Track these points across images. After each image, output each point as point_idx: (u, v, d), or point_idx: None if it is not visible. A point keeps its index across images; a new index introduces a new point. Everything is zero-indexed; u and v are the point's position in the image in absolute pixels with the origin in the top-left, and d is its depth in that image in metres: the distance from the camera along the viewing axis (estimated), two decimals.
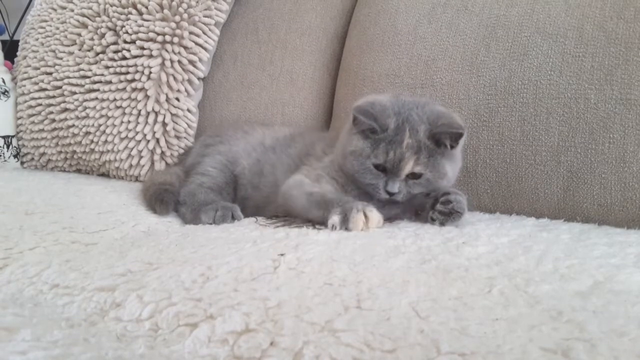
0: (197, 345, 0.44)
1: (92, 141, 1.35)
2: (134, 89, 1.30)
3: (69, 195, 1.06)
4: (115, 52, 1.33)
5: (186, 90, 1.31)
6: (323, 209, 0.81)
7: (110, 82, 1.32)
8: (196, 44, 1.30)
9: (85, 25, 1.39)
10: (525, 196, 0.97)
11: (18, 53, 1.55)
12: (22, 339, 0.44)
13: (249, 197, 1.06)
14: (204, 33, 1.31)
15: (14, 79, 1.53)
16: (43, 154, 1.46)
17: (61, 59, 1.41)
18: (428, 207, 0.85)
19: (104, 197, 1.07)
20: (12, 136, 1.49)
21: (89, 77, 1.35)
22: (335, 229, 0.77)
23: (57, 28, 1.44)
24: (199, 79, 1.33)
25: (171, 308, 0.50)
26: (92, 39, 1.36)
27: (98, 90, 1.34)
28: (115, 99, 1.31)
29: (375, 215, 0.78)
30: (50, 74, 1.41)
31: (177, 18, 1.29)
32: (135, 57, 1.30)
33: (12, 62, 1.59)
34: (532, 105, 0.97)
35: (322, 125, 1.32)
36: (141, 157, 1.30)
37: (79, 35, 1.39)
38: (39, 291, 0.59)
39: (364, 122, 0.83)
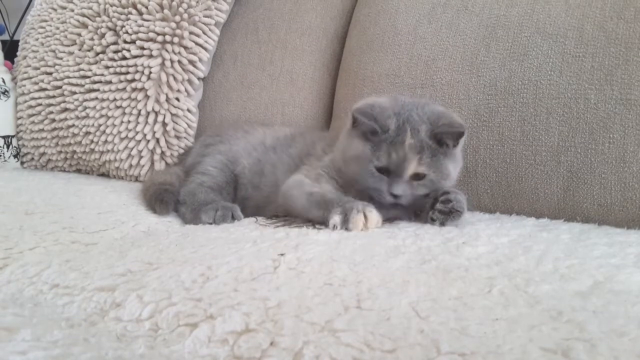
0: (197, 345, 0.44)
1: (92, 141, 1.35)
2: (134, 89, 1.30)
3: (69, 195, 1.06)
4: (115, 52, 1.33)
5: (186, 90, 1.31)
6: (323, 208, 0.81)
7: (110, 82, 1.32)
8: (196, 44, 1.30)
9: (85, 25, 1.39)
10: (525, 196, 0.97)
11: (18, 53, 1.55)
12: (22, 339, 0.44)
13: (249, 197, 1.06)
14: (204, 33, 1.31)
15: (14, 78, 1.53)
16: (43, 153, 1.46)
17: (61, 59, 1.41)
18: (428, 207, 0.85)
19: (104, 197, 1.07)
20: (12, 136, 1.49)
21: (89, 77, 1.35)
22: (336, 228, 0.77)
23: (57, 28, 1.44)
24: (199, 79, 1.33)
25: (171, 308, 0.50)
26: (92, 39, 1.36)
27: (98, 90, 1.34)
28: (115, 99, 1.31)
29: (374, 215, 0.78)
30: (50, 74, 1.41)
31: (177, 18, 1.29)
32: (135, 57, 1.30)
33: (12, 62, 1.59)
34: (532, 105, 0.97)
35: (322, 125, 1.32)
36: (141, 157, 1.30)
37: (79, 35, 1.39)
38: (39, 291, 0.59)
39: (364, 123, 0.83)
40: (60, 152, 1.43)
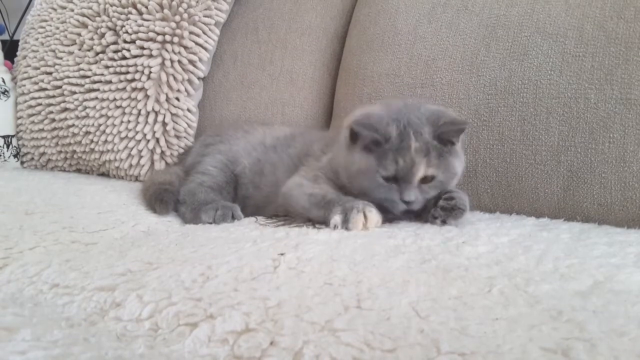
0: (197, 344, 0.44)
1: (92, 141, 1.35)
2: (133, 89, 1.29)
3: (68, 195, 1.06)
4: (115, 51, 1.33)
5: (186, 90, 1.31)
6: (324, 208, 0.81)
7: (110, 82, 1.32)
8: (196, 43, 1.30)
9: (85, 25, 1.39)
10: (525, 196, 0.97)
11: (18, 53, 1.55)
12: (22, 339, 0.44)
13: (249, 197, 1.06)
14: (204, 33, 1.31)
15: (14, 78, 1.53)
16: (43, 153, 1.46)
17: (61, 58, 1.41)
18: (430, 206, 0.84)
19: (104, 196, 1.07)
20: (12, 136, 1.49)
21: (88, 76, 1.35)
22: (337, 228, 0.77)
23: (57, 28, 1.44)
24: (199, 78, 1.33)
25: (171, 308, 0.50)
26: (92, 38, 1.36)
27: (98, 90, 1.34)
28: (115, 99, 1.31)
29: (374, 215, 0.78)
30: (50, 73, 1.41)
31: (177, 18, 1.29)
32: (135, 56, 1.30)
33: (12, 62, 1.59)
34: (532, 105, 0.97)
35: (323, 125, 1.32)
36: (141, 156, 1.30)
37: (79, 35, 1.39)
38: (38, 291, 0.59)
39: (366, 135, 0.80)
40: (60, 151, 1.43)
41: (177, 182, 1.10)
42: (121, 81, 1.31)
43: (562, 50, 0.96)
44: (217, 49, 1.37)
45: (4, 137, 1.47)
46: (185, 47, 1.29)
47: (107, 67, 1.33)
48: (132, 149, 1.30)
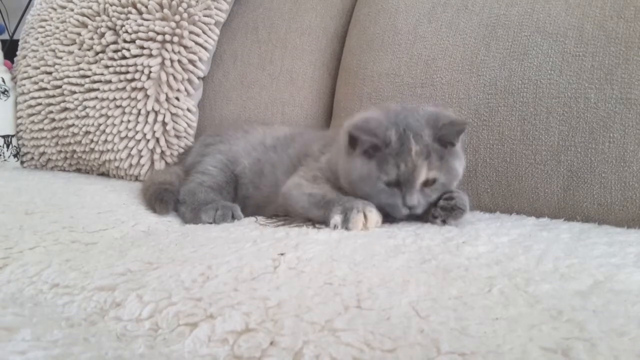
0: (197, 344, 0.44)
1: (92, 140, 1.35)
2: (133, 89, 1.29)
3: (68, 194, 1.06)
4: (115, 51, 1.33)
5: (186, 90, 1.31)
6: (323, 208, 0.81)
7: (110, 82, 1.32)
8: (196, 43, 1.30)
9: (85, 25, 1.39)
10: (525, 195, 0.97)
11: (18, 52, 1.55)
12: (22, 339, 0.44)
13: (249, 197, 1.06)
14: (204, 32, 1.31)
15: (13, 78, 1.53)
16: (43, 153, 1.46)
17: (61, 58, 1.41)
18: (430, 206, 0.84)
19: (104, 196, 1.07)
20: (12, 135, 1.49)
21: (88, 76, 1.35)
22: (337, 228, 0.77)
23: (57, 27, 1.44)
24: (198, 78, 1.33)
25: (171, 308, 0.50)
26: (91, 38, 1.36)
27: (98, 89, 1.33)
28: (115, 99, 1.31)
29: (374, 215, 0.78)
30: (50, 73, 1.41)
31: (177, 17, 1.29)
32: (135, 56, 1.30)
33: (12, 62, 1.59)
34: (532, 105, 0.97)
35: (323, 125, 1.32)
36: (141, 156, 1.30)
37: (79, 34, 1.39)
38: (38, 291, 0.59)
39: (365, 140, 0.79)
40: (60, 151, 1.43)
41: (177, 182, 1.10)
42: (121, 81, 1.31)
43: (562, 50, 0.96)
44: (217, 49, 1.37)
45: (4, 136, 1.47)
46: (185, 47, 1.29)
47: (107, 66, 1.33)
48: (132, 148, 1.30)
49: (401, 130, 0.80)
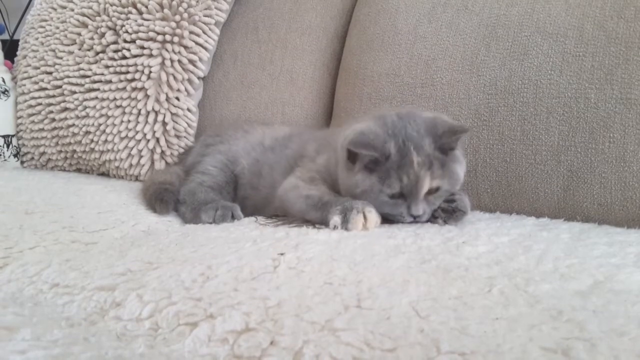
0: (197, 344, 0.44)
1: (92, 140, 1.35)
2: (134, 89, 1.29)
3: (69, 194, 1.06)
4: (115, 51, 1.33)
5: (186, 90, 1.31)
6: (321, 210, 0.81)
7: (110, 82, 1.32)
8: (196, 43, 1.30)
9: (85, 25, 1.39)
10: (525, 195, 0.97)
11: (18, 52, 1.55)
12: (22, 338, 0.44)
13: (248, 197, 1.06)
14: (204, 32, 1.31)
15: (14, 78, 1.53)
16: (43, 153, 1.46)
17: (61, 58, 1.41)
18: None
19: (104, 196, 1.07)
20: (12, 135, 1.49)
21: (89, 76, 1.35)
22: (336, 228, 0.77)
23: (57, 27, 1.44)
24: (199, 78, 1.33)
25: (171, 307, 0.50)
26: (92, 38, 1.36)
27: (98, 89, 1.34)
28: (115, 99, 1.31)
29: (373, 215, 0.78)
30: (50, 73, 1.41)
31: (177, 17, 1.29)
32: (135, 56, 1.30)
33: (12, 62, 1.59)
34: (532, 105, 0.97)
35: (322, 125, 1.32)
36: (141, 156, 1.30)
37: (79, 34, 1.39)
38: (39, 290, 0.59)
39: (365, 155, 0.78)
40: (60, 151, 1.43)
41: (177, 181, 1.10)
42: (121, 81, 1.31)
43: (562, 50, 0.96)
44: (217, 49, 1.38)
45: (4, 136, 1.47)
46: (185, 47, 1.29)
47: (107, 66, 1.33)
48: (132, 148, 1.30)
49: (400, 142, 0.79)
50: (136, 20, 1.31)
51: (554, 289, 0.52)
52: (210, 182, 1.06)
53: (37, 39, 1.48)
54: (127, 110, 1.30)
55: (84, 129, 1.35)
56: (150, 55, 1.29)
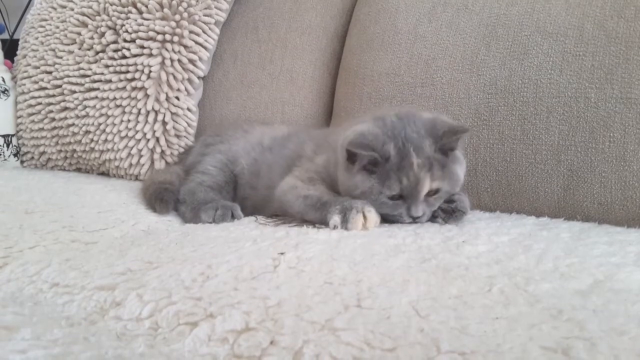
0: (197, 344, 0.44)
1: (92, 140, 1.35)
2: (133, 88, 1.29)
3: (68, 194, 1.06)
4: (115, 51, 1.33)
5: (186, 89, 1.31)
6: (320, 210, 0.81)
7: (110, 81, 1.32)
8: (196, 42, 1.30)
9: (85, 24, 1.39)
10: (525, 195, 0.97)
11: (18, 52, 1.55)
12: (22, 338, 0.44)
13: (247, 197, 1.06)
14: (204, 32, 1.31)
15: (13, 77, 1.53)
16: (43, 152, 1.46)
17: (61, 57, 1.41)
18: None
19: (104, 196, 1.07)
20: (12, 135, 1.49)
21: (88, 76, 1.35)
22: (336, 228, 0.77)
23: (57, 27, 1.44)
24: (199, 77, 1.33)
25: (171, 307, 0.50)
26: (92, 37, 1.36)
27: (98, 89, 1.33)
28: (115, 98, 1.31)
29: (373, 215, 0.78)
30: (50, 72, 1.41)
31: (177, 17, 1.29)
32: (135, 56, 1.30)
33: (12, 61, 1.59)
34: (532, 104, 0.97)
35: (322, 124, 1.31)
36: (141, 156, 1.30)
37: (79, 34, 1.39)
38: (38, 290, 0.59)
39: (364, 156, 0.78)
40: (60, 151, 1.43)
41: (177, 181, 1.10)
42: (121, 80, 1.31)
43: (563, 50, 0.96)
44: (217, 48, 1.37)
45: (4, 136, 1.47)
46: (185, 46, 1.29)
47: (107, 66, 1.33)
48: (132, 148, 1.30)
49: (400, 143, 0.79)
50: (136, 20, 1.31)
51: (554, 288, 0.52)
52: (210, 182, 1.06)
53: (37, 38, 1.48)
54: (127, 109, 1.30)
55: (83, 128, 1.35)
56: (150, 55, 1.29)
